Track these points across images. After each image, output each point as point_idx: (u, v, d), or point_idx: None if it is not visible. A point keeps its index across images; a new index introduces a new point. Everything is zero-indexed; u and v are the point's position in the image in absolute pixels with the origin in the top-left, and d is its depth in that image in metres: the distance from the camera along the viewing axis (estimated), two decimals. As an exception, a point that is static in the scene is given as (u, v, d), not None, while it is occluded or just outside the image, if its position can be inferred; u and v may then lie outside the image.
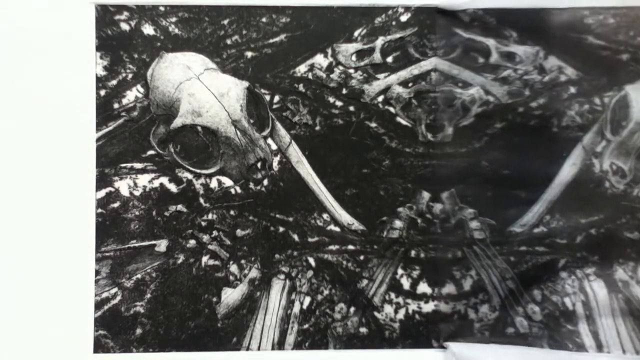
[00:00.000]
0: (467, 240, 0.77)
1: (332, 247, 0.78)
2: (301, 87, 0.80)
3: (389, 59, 0.80)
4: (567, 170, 0.77)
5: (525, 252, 0.77)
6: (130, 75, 0.79)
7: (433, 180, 0.77)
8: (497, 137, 0.78)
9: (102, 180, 0.77)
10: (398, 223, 0.78)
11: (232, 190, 0.79)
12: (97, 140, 0.78)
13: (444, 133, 0.77)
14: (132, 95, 0.79)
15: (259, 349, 0.76)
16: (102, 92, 0.78)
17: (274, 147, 0.80)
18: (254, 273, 0.78)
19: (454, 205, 0.77)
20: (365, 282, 0.78)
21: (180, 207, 0.78)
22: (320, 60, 0.80)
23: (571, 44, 0.78)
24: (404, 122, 0.80)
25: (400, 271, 0.78)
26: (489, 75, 0.78)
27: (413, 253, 0.78)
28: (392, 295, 0.77)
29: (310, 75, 0.80)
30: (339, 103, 0.80)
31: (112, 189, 0.78)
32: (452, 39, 0.78)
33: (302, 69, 0.80)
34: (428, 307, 0.77)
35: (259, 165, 0.78)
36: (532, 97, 0.77)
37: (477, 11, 0.77)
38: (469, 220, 0.77)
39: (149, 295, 0.76)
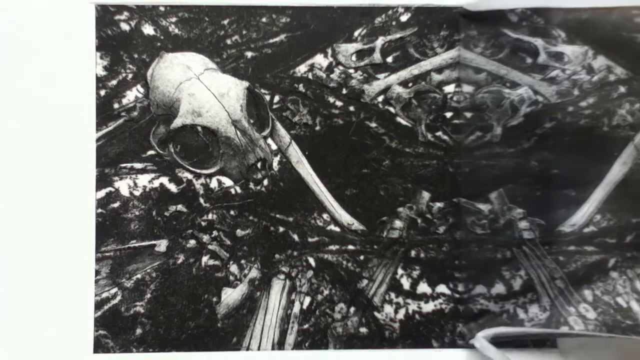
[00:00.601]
0: (516, 241, 0.77)
1: (332, 247, 0.78)
2: (301, 87, 0.80)
3: (389, 59, 0.80)
4: (618, 169, 0.77)
5: (574, 252, 0.76)
6: (130, 75, 0.79)
7: (481, 180, 0.77)
8: (547, 136, 0.77)
9: (102, 180, 0.77)
10: (398, 223, 0.78)
11: (232, 190, 0.79)
12: (97, 140, 0.78)
13: (493, 133, 0.77)
14: (132, 95, 0.79)
15: (259, 349, 0.76)
16: (102, 92, 0.78)
17: (274, 147, 0.80)
18: (254, 273, 0.78)
19: (503, 205, 0.77)
20: (365, 282, 0.78)
21: (180, 207, 0.78)
22: (320, 60, 0.80)
23: (621, 43, 0.78)
24: (404, 122, 0.80)
25: (400, 271, 0.78)
26: (537, 75, 0.78)
27: (413, 253, 0.78)
28: (392, 295, 0.77)
29: (310, 75, 0.80)
30: (339, 103, 0.80)
31: (112, 189, 0.78)
32: (499, 39, 0.78)
33: (302, 69, 0.80)
34: (428, 307, 0.77)
35: (259, 165, 0.78)
36: (581, 97, 0.77)
37: (525, 11, 0.77)
38: (518, 221, 0.77)
39: (149, 295, 0.76)
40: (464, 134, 0.78)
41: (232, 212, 0.78)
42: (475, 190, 0.78)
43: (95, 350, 0.75)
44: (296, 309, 0.77)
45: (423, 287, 0.78)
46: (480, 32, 0.78)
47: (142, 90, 0.79)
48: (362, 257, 0.78)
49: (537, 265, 0.76)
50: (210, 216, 0.78)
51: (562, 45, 0.78)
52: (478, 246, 0.77)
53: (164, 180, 0.78)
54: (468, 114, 0.78)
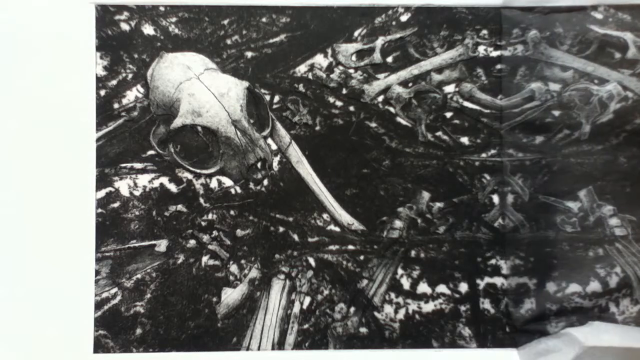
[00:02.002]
0: (607, 238, 0.77)
1: (332, 247, 0.78)
2: (301, 87, 0.80)
3: (389, 59, 0.80)
4: None
5: None
6: (130, 75, 0.79)
7: (569, 178, 0.77)
8: (636, 132, 0.77)
9: (102, 180, 0.77)
10: (398, 223, 0.78)
11: (232, 190, 0.79)
12: (97, 140, 0.78)
13: (581, 131, 0.77)
14: (132, 95, 0.79)
15: (259, 349, 0.76)
16: (102, 92, 0.78)
17: (274, 147, 0.80)
18: (254, 273, 0.78)
19: (593, 202, 0.77)
20: (365, 282, 0.78)
21: (180, 207, 0.78)
22: (320, 60, 0.80)
23: None
24: (404, 122, 0.80)
25: (400, 271, 0.78)
26: (626, 70, 0.78)
27: (413, 253, 0.78)
28: (392, 295, 0.77)
29: (310, 75, 0.80)
30: (339, 103, 0.80)
31: (112, 189, 0.78)
32: (586, 35, 0.78)
33: (302, 69, 0.80)
34: (428, 307, 0.77)
35: (259, 165, 0.78)
36: None
37: (608, 8, 0.76)
38: (608, 218, 0.76)
39: (149, 295, 0.76)
40: (551, 133, 0.78)
41: (232, 212, 0.78)
42: (564, 188, 0.78)
43: (95, 350, 0.75)
44: (296, 309, 0.77)
45: (423, 287, 0.78)
46: (567, 30, 0.78)
47: (142, 90, 0.79)
48: (362, 257, 0.78)
49: (632, 262, 0.76)
50: (210, 216, 0.78)
51: None
52: (569, 245, 0.77)
53: (164, 180, 0.78)
54: (556, 112, 0.78)
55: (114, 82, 0.79)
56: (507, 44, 0.79)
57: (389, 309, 0.77)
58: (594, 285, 0.76)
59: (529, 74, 0.79)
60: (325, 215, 0.79)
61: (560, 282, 0.77)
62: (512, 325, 0.76)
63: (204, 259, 0.77)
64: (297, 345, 0.76)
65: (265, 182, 0.79)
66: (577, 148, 0.78)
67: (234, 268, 0.78)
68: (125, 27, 0.79)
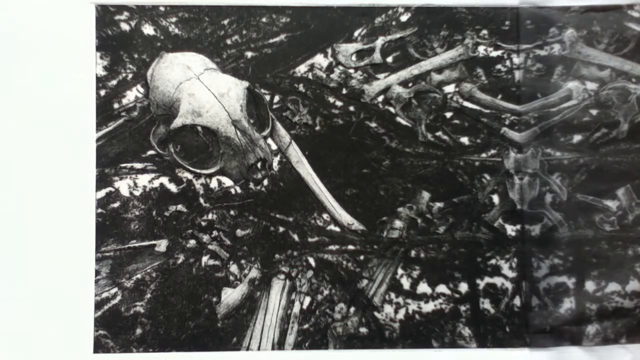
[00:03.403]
0: None
1: (332, 247, 0.78)
2: (301, 87, 0.80)
3: (389, 59, 0.80)
4: None
5: None
6: (130, 75, 0.79)
7: (608, 177, 0.77)
8: None
9: (102, 180, 0.77)
10: (398, 223, 0.78)
11: (232, 190, 0.79)
12: (97, 140, 0.78)
13: (619, 129, 0.77)
14: (132, 95, 0.79)
15: (259, 349, 0.76)
16: (102, 92, 0.78)
17: (274, 147, 0.80)
18: (254, 273, 0.78)
19: (631, 201, 0.77)
20: (365, 282, 0.78)
21: (180, 207, 0.78)
22: (320, 60, 0.80)
23: None
24: (404, 122, 0.80)
25: (400, 271, 0.78)
26: None
27: (413, 253, 0.78)
28: (392, 295, 0.77)
29: (310, 75, 0.80)
30: (339, 103, 0.80)
31: (112, 189, 0.78)
32: (623, 33, 0.78)
33: (302, 69, 0.80)
34: (428, 307, 0.77)
35: (259, 165, 0.78)
36: None
37: None
38: None
39: (149, 295, 0.76)
40: (589, 132, 0.78)
41: (232, 212, 0.78)
42: (602, 187, 0.78)
43: (95, 350, 0.75)
44: (296, 309, 0.77)
45: (423, 287, 0.78)
46: (604, 28, 0.78)
47: (142, 90, 0.79)
48: (362, 257, 0.78)
49: None
50: (210, 216, 0.78)
51: None
52: (608, 244, 0.77)
53: (164, 180, 0.78)
54: (593, 112, 0.78)
55: (114, 82, 0.79)
56: (543, 43, 0.79)
57: (389, 309, 0.77)
58: (634, 284, 0.76)
59: (566, 73, 0.79)
60: (325, 215, 0.79)
61: (599, 281, 0.77)
62: (549, 325, 0.76)
63: (204, 259, 0.77)
64: (297, 345, 0.76)
65: (265, 182, 0.79)
66: (615, 147, 0.78)
67: (234, 268, 0.78)
68: (125, 27, 0.79)
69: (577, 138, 0.78)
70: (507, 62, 0.80)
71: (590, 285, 0.77)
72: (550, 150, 0.78)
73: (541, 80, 0.79)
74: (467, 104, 0.80)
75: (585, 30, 0.78)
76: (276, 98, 0.80)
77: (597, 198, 0.78)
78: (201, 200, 0.78)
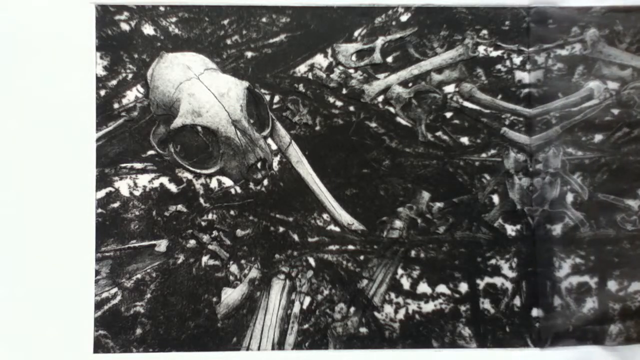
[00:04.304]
0: None
1: (332, 247, 0.78)
2: (301, 87, 0.80)
3: (389, 59, 0.80)
4: None
5: None
6: (130, 75, 0.79)
7: (629, 176, 0.77)
8: None
9: (102, 180, 0.77)
10: (398, 223, 0.78)
11: (232, 190, 0.79)
12: (97, 140, 0.78)
13: None
14: (132, 95, 0.79)
15: (259, 349, 0.76)
16: (102, 92, 0.78)
17: (274, 147, 0.80)
18: (254, 273, 0.78)
19: None
20: (365, 282, 0.78)
21: (180, 207, 0.78)
22: (320, 60, 0.80)
23: None
24: (404, 122, 0.80)
25: (400, 271, 0.78)
26: None
27: (413, 253, 0.78)
28: (392, 295, 0.77)
29: (310, 75, 0.80)
30: (339, 103, 0.80)
31: (112, 189, 0.78)
32: None
33: (302, 69, 0.80)
34: (428, 307, 0.77)
35: (259, 165, 0.78)
36: None
37: None
38: None
39: (149, 295, 0.76)
40: (610, 131, 0.78)
41: (232, 212, 0.78)
42: (624, 186, 0.78)
43: (95, 350, 0.75)
44: (296, 309, 0.77)
45: (423, 287, 0.78)
46: (626, 28, 0.78)
47: (142, 90, 0.79)
48: (362, 257, 0.78)
49: None
50: (210, 216, 0.78)
51: None
52: (629, 243, 0.77)
53: (164, 180, 0.78)
54: (615, 111, 0.78)
55: (114, 82, 0.79)
56: (564, 42, 0.79)
57: (389, 309, 0.77)
58: None
59: (587, 73, 0.79)
60: (325, 215, 0.79)
61: (622, 280, 0.77)
62: (572, 325, 0.76)
63: (204, 259, 0.77)
64: (297, 345, 0.76)
65: (265, 182, 0.79)
66: (636, 146, 0.78)
67: (234, 268, 0.78)
68: (125, 27, 0.79)
69: (598, 137, 0.78)
70: (507, 62, 0.80)
71: (612, 285, 0.77)
72: (572, 149, 0.78)
73: (562, 80, 0.79)
74: (467, 104, 0.80)
75: (607, 29, 0.78)
76: (276, 98, 0.80)
77: (619, 197, 0.78)
78: (201, 200, 0.78)
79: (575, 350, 0.76)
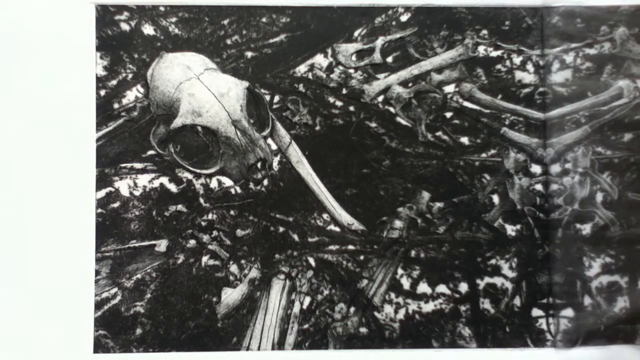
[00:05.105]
0: None
1: (332, 247, 0.78)
2: (301, 87, 0.80)
3: (389, 59, 0.80)
4: None
5: None
6: (130, 75, 0.79)
7: None
8: None
9: (102, 180, 0.77)
10: (398, 223, 0.78)
11: (232, 190, 0.79)
12: (97, 140, 0.78)
13: None
14: (132, 95, 0.79)
15: (259, 349, 0.76)
16: (102, 92, 0.78)
17: (274, 147, 0.80)
18: (254, 273, 0.78)
19: None
20: (365, 282, 0.78)
21: (180, 207, 0.78)
22: (320, 60, 0.80)
23: None
24: (404, 122, 0.80)
25: (400, 271, 0.78)
26: None
27: (413, 253, 0.78)
28: (392, 295, 0.77)
29: (310, 75, 0.80)
30: (339, 103, 0.80)
31: (112, 189, 0.78)
32: None
33: (302, 69, 0.80)
34: (428, 307, 0.77)
35: (259, 165, 0.78)
36: None
37: None
38: None
39: (149, 295, 0.76)
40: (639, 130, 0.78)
41: (232, 212, 0.78)
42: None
43: (95, 350, 0.75)
44: (296, 309, 0.77)
45: (423, 287, 0.78)
46: None
47: (142, 90, 0.79)
48: (362, 257, 0.78)
49: None
50: (210, 216, 0.78)
51: None
52: None
53: (164, 180, 0.78)
54: None
55: (114, 82, 0.79)
56: (593, 41, 0.78)
57: (389, 309, 0.77)
58: None
59: (616, 72, 0.78)
60: (325, 215, 0.79)
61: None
62: (603, 324, 0.76)
63: (204, 259, 0.77)
64: (297, 345, 0.76)
65: (265, 182, 0.79)
66: None
67: (234, 268, 0.78)
68: (125, 27, 0.79)
69: (628, 136, 0.78)
70: (507, 62, 0.80)
71: None
72: (601, 148, 0.78)
73: (591, 79, 0.78)
74: (467, 104, 0.80)
75: (637, 28, 0.78)
76: (276, 98, 0.80)
77: None
78: (201, 200, 0.78)
79: (607, 350, 0.76)
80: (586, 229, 0.78)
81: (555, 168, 0.79)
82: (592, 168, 0.78)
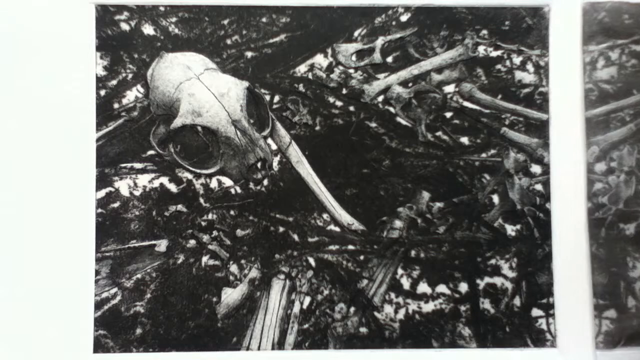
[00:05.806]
0: None
1: (332, 247, 0.78)
2: (301, 87, 0.80)
3: (389, 59, 0.80)
4: None
5: None
6: (130, 75, 0.79)
7: None
8: None
9: (102, 180, 0.77)
10: (398, 223, 0.78)
11: (232, 190, 0.79)
12: (97, 140, 0.78)
13: None
14: (132, 95, 0.79)
15: (259, 349, 0.76)
16: (102, 92, 0.78)
17: (274, 147, 0.80)
18: (254, 273, 0.78)
19: None
20: (365, 282, 0.78)
21: (180, 207, 0.78)
22: (320, 60, 0.80)
23: None
24: (404, 122, 0.80)
25: (400, 271, 0.78)
26: None
27: (413, 253, 0.78)
28: (392, 295, 0.77)
29: (310, 75, 0.80)
30: (339, 103, 0.80)
31: (112, 189, 0.78)
32: None
33: (302, 69, 0.80)
34: (428, 307, 0.77)
35: (259, 165, 0.78)
36: None
37: None
38: None
39: (149, 295, 0.76)
40: None
41: (232, 212, 0.78)
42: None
43: (95, 350, 0.75)
44: (296, 309, 0.77)
45: (423, 287, 0.78)
46: None
47: (142, 90, 0.79)
48: (362, 257, 0.78)
49: None
50: (210, 216, 0.78)
51: None
52: None
53: (164, 180, 0.78)
54: None
55: (114, 82, 0.79)
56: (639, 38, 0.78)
57: (389, 309, 0.77)
58: None
59: None
60: (325, 215, 0.79)
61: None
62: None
63: (204, 259, 0.77)
64: (297, 345, 0.76)
65: (265, 182, 0.79)
66: None
67: (234, 268, 0.78)
68: (125, 27, 0.79)
69: None
70: (507, 62, 0.80)
71: None
72: None
73: (636, 76, 0.78)
74: (467, 104, 0.80)
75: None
76: (276, 98, 0.80)
77: None
78: (201, 200, 0.78)
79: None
80: (630, 228, 0.77)
81: (600, 166, 0.77)
82: (637, 167, 0.77)
